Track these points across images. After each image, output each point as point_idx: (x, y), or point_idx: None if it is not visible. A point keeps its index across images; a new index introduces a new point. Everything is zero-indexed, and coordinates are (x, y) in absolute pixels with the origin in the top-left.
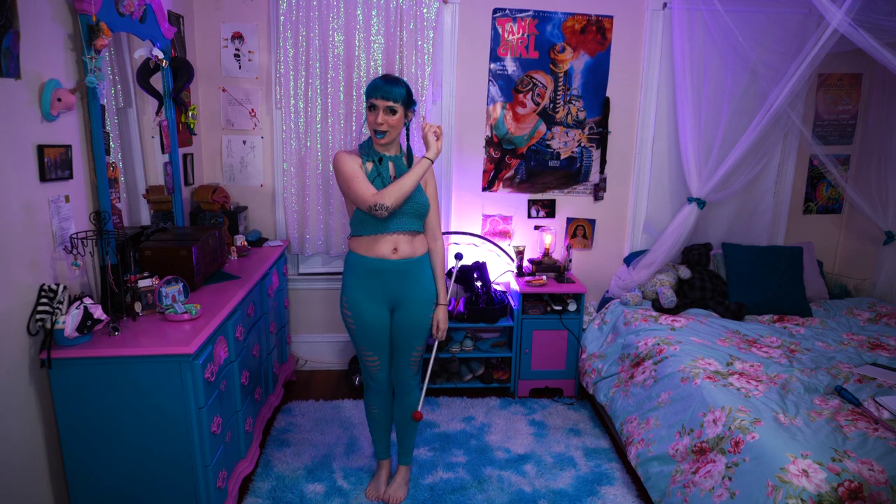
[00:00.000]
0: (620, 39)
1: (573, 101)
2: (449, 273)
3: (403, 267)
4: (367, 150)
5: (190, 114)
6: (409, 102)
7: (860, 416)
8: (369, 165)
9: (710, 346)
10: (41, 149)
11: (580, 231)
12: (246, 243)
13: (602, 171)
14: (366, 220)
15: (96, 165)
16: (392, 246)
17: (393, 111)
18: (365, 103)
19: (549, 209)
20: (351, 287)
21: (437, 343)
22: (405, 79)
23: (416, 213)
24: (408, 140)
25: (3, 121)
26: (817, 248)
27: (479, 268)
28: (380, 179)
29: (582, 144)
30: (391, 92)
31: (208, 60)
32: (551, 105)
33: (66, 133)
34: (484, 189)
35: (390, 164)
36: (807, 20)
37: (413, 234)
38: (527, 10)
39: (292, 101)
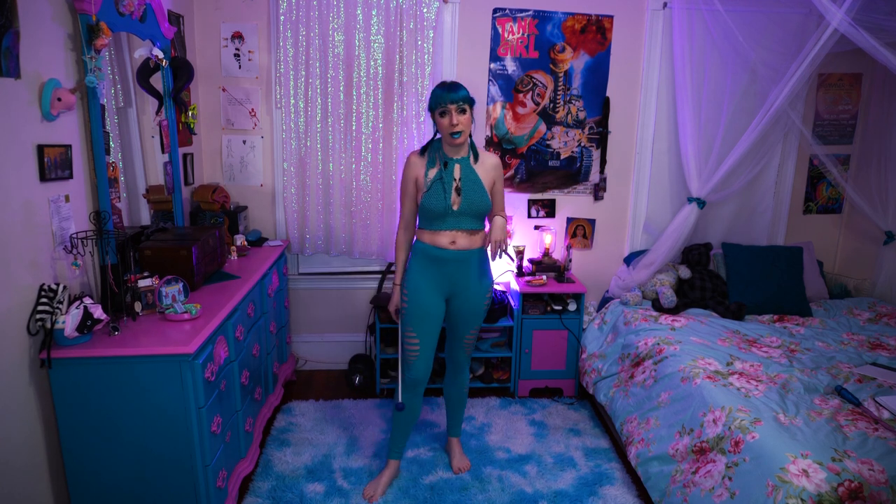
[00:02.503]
0: (620, 39)
1: (573, 101)
2: None
3: (460, 256)
4: (433, 154)
5: (190, 113)
6: (472, 101)
7: (860, 416)
8: (433, 172)
9: (710, 346)
10: (41, 148)
11: (580, 231)
12: (246, 243)
13: (602, 171)
14: (429, 217)
15: (96, 165)
16: (451, 239)
17: (463, 111)
18: (434, 112)
19: (549, 209)
20: (413, 269)
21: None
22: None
23: (476, 214)
24: (471, 138)
25: (3, 121)
26: (817, 248)
27: None
28: (440, 184)
29: (582, 144)
30: (459, 94)
31: (208, 60)
32: (551, 105)
33: (66, 133)
34: None
35: (457, 167)
36: (807, 20)
37: (472, 232)
38: (527, 10)
39: (292, 101)
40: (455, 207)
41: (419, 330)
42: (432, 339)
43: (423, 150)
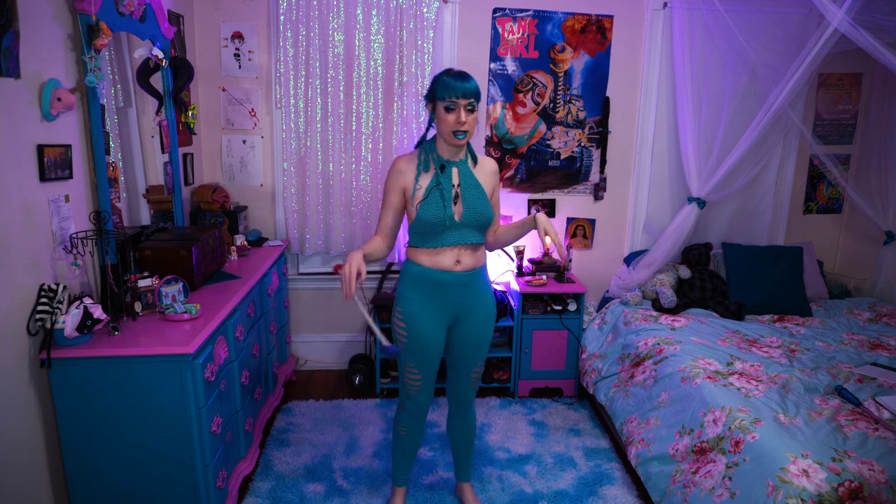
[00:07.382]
0: (620, 39)
1: (573, 101)
2: None
3: (466, 279)
4: (426, 157)
5: (190, 113)
6: (480, 97)
7: (860, 416)
8: (425, 178)
9: (711, 346)
10: (41, 148)
11: (580, 231)
12: (246, 243)
13: (602, 171)
14: (426, 232)
15: (96, 165)
16: (455, 258)
17: (472, 109)
18: (438, 103)
19: (549, 209)
20: (408, 299)
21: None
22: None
23: (480, 225)
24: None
25: (3, 120)
26: (817, 247)
27: None
28: (437, 190)
29: (582, 144)
30: (470, 89)
31: (208, 60)
32: (551, 105)
33: (66, 133)
34: None
35: (455, 171)
36: (807, 20)
37: (475, 247)
38: (527, 10)
39: (292, 101)
40: (457, 218)
41: (421, 366)
42: (434, 370)
43: (417, 150)
